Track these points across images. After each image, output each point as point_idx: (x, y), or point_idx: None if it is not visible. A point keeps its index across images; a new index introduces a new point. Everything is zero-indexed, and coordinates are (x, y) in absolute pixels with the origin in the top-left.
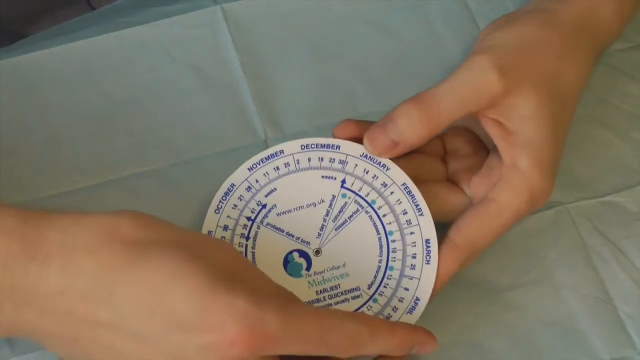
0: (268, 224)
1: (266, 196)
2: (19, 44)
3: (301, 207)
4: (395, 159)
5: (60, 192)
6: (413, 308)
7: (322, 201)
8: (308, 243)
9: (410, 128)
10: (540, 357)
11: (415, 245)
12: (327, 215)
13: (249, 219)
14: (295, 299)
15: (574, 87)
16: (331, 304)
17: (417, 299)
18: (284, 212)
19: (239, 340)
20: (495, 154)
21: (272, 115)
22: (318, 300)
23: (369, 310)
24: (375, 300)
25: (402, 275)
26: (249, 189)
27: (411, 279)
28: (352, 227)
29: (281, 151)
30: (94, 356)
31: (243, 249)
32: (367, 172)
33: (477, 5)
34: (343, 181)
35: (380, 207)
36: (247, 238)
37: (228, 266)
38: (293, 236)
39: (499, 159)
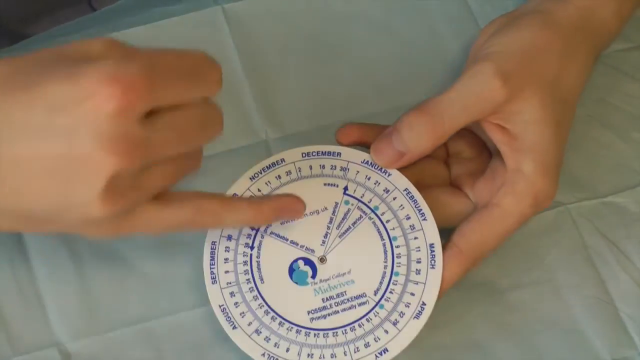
0: (272, 232)
1: None
2: (20, 45)
3: (304, 215)
4: None
5: None
6: (420, 313)
7: (325, 209)
8: (312, 251)
9: (415, 139)
10: (541, 357)
11: (419, 250)
12: (330, 222)
13: (252, 228)
14: None
15: (574, 88)
16: (338, 312)
17: (424, 303)
18: (287, 221)
19: (113, 92)
20: (498, 157)
21: (273, 115)
22: (324, 308)
23: (375, 316)
24: (381, 306)
25: (407, 280)
26: (252, 198)
27: (417, 283)
28: (356, 234)
29: (282, 160)
30: (2, 188)
31: (248, 259)
32: (369, 179)
33: (478, 5)
34: (345, 188)
35: (383, 213)
36: (252, 247)
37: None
38: (297, 244)
39: (502, 163)
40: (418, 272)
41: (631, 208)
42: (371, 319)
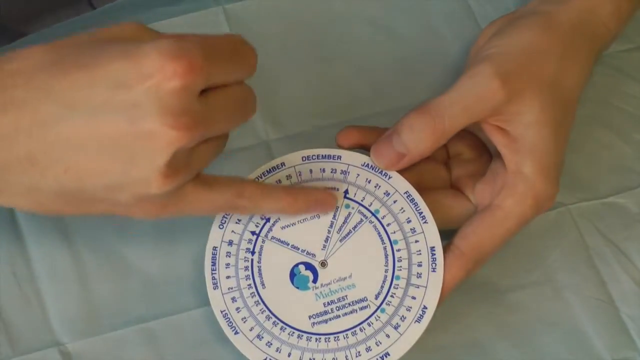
0: (273, 237)
1: None
2: (19, 43)
3: (305, 219)
4: None
5: None
6: (421, 316)
7: (326, 213)
8: (313, 255)
9: (416, 140)
10: (542, 358)
11: (420, 254)
12: (331, 226)
13: (253, 233)
14: None
15: (574, 89)
16: (339, 316)
17: (425, 307)
18: (288, 225)
19: (176, 69)
20: (499, 159)
21: (273, 116)
22: (326, 312)
23: (377, 320)
24: (383, 310)
25: (408, 284)
26: None
27: (418, 287)
28: (356, 238)
29: (282, 164)
30: (57, 168)
31: (249, 264)
32: (369, 182)
33: (479, 5)
34: (346, 191)
35: (384, 217)
36: (253, 253)
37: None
38: (298, 249)
39: (503, 165)
40: (419, 275)
41: (632, 209)
42: (372, 323)
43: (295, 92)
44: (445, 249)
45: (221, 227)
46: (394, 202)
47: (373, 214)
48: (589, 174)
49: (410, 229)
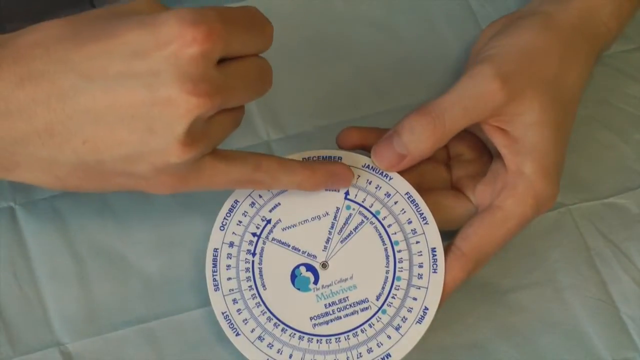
0: (274, 239)
1: (270, 211)
2: None
3: (306, 220)
4: None
5: (62, 193)
6: (422, 318)
7: (327, 214)
8: (314, 257)
9: (416, 141)
10: (542, 358)
11: (421, 255)
12: (332, 227)
13: (254, 234)
14: None
15: (575, 90)
16: (340, 317)
17: (426, 308)
18: (289, 227)
19: (195, 36)
20: (499, 160)
21: (274, 116)
22: (327, 314)
23: (378, 321)
24: (384, 312)
25: (409, 285)
26: (252, 204)
27: (419, 288)
28: (357, 239)
29: None
30: (75, 140)
31: (250, 265)
32: (370, 183)
33: (480, 6)
34: (346, 193)
35: (384, 218)
36: (254, 254)
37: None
38: (299, 250)
39: (503, 165)
40: (420, 276)
41: (632, 209)
42: (374, 325)
43: (296, 92)
44: (446, 250)
45: (222, 228)
46: (395, 203)
47: (374, 215)
48: (590, 175)
49: (411, 230)
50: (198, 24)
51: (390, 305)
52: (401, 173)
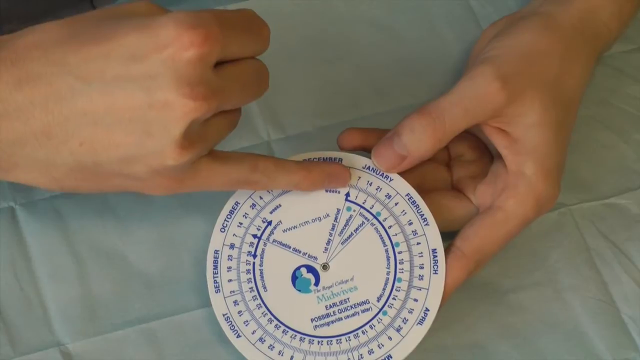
0: (274, 240)
1: (271, 213)
2: None
3: (306, 222)
4: None
5: (62, 193)
6: (423, 319)
7: (327, 215)
8: (315, 258)
9: (416, 142)
10: (543, 358)
11: (422, 256)
12: (332, 229)
13: (255, 236)
14: None
15: (575, 90)
16: (341, 319)
17: (427, 309)
18: (289, 228)
19: (193, 39)
20: (500, 160)
21: (274, 116)
22: (328, 315)
23: (379, 322)
24: (385, 313)
25: (410, 286)
26: (253, 206)
27: (420, 289)
28: (358, 240)
29: None
30: (72, 142)
31: (250, 267)
32: (370, 184)
33: (480, 6)
34: (347, 194)
35: (385, 219)
36: (254, 256)
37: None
38: (300, 252)
39: (504, 166)
40: (421, 277)
41: (633, 209)
42: (374, 326)
43: (296, 93)
44: (447, 251)
45: (223, 230)
46: (396, 204)
47: (375, 217)
48: (590, 175)
49: (412, 231)
50: (195, 27)
51: (391, 307)
52: (402, 174)
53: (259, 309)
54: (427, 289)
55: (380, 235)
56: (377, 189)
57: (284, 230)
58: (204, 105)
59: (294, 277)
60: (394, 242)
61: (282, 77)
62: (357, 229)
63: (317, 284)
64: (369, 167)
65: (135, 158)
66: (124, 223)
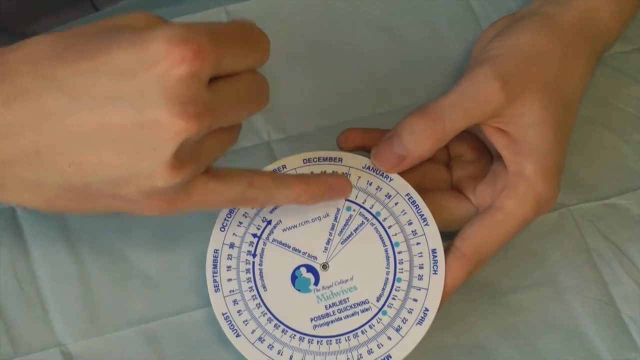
0: (274, 240)
1: (271, 212)
2: None
3: (306, 221)
4: None
5: None
6: (422, 319)
7: (327, 215)
8: (315, 258)
9: (416, 142)
10: (543, 359)
11: (422, 256)
12: (332, 229)
13: (254, 235)
14: None
15: (576, 90)
16: (341, 318)
17: (426, 309)
18: (289, 228)
19: (184, 55)
20: (500, 161)
21: (275, 116)
22: (327, 315)
23: (378, 322)
24: (384, 313)
25: (410, 286)
26: None
27: (419, 289)
28: (358, 240)
29: (283, 166)
30: (61, 162)
31: (250, 266)
32: (370, 184)
33: (480, 6)
34: None
35: (385, 219)
36: (254, 255)
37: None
38: (300, 251)
39: (504, 166)
40: (420, 277)
41: (634, 210)
42: (374, 326)
43: (297, 93)
44: (446, 251)
45: (222, 229)
46: (395, 204)
47: (374, 217)
48: (590, 175)
49: (412, 231)
50: (187, 42)
51: (391, 307)
52: (402, 174)
53: (258, 308)
54: (427, 289)
55: (380, 235)
56: (377, 189)
57: (284, 230)
58: (195, 125)
59: (294, 277)
60: (393, 242)
61: (283, 77)
62: (356, 228)
63: (316, 283)
64: (369, 167)
65: (125, 179)
66: (124, 223)
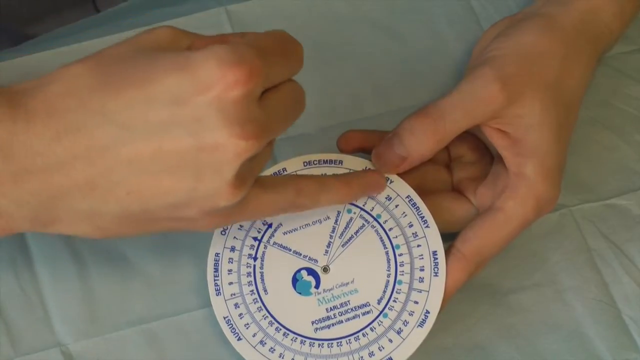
0: (275, 243)
1: None
2: (24, 45)
3: (307, 224)
4: None
5: None
6: (424, 321)
7: (328, 218)
8: (316, 261)
9: (416, 143)
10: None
11: (422, 258)
12: (333, 231)
13: (255, 239)
14: None
15: (576, 91)
16: (342, 321)
17: (427, 311)
18: (290, 231)
19: (238, 77)
20: (500, 162)
21: None
22: (328, 318)
23: (379, 325)
24: (385, 315)
25: (411, 288)
26: None
27: (420, 292)
28: (359, 243)
29: (284, 169)
30: (118, 191)
31: (251, 270)
32: None
33: (481, 7)
34: None
35: (385, 221)
36: (255, 258)
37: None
38: (300, 254)
39: (504, 167)
40: (421, 280)
41: (634, 210)
42: (375, 328)
43: None
44: (447, 252)
45: (223, 233)
46: (396, 206)
47: (375, 219)
48: (591, 176)
49: (412, 234)
50: (239, 64)
51: (392, 309)
52: (402, 175)
53: (259, 311)
54: (428, 291)
55: (381, 238)
56: None
57: (285, 233)
58: (255, 144)
59: (295, 280)
60: (394, 245)
61: None
62: (357, 231)
63: (317, 286)
64: (370, 168)
65: (186, 202)
66: None
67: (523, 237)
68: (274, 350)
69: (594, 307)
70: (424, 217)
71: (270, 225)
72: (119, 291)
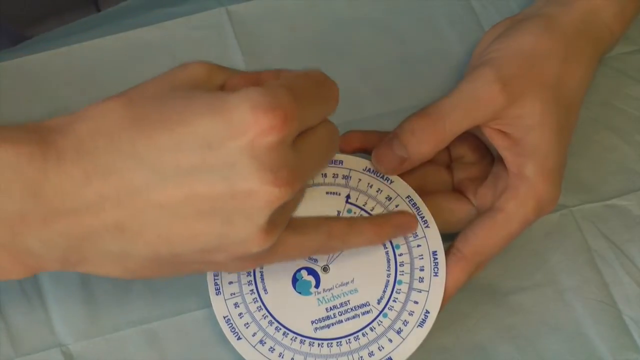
0: None
1: None
2: (25, 45)
3: None
4: None
5: None
6: (424, 321)
7: None
8: (316, 260)
9: (416, 144)
10: None
11: (422, 258)
12: None
13: None
14: None
15: (577, 91)
16: (342, 321)
17: (427, 311)
18: None
19: (272, 123)
20: (501, 162)
21: None
22: (328, 317)
23: (379, 325)
24: (385, 315)
25: (411, 288)
26: None
27: (420, 291)
28: None
29: None
30: (148, 235)
31: (251, 269)
32: (371, 186)
33: (482, 7)
34: (348, 196)
35: None
36: None
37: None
38: None
39: (505, 168)
40: (421, 280)
41: (635, 211)
42: (375, 328)
43: None
44: (447, 253)
45: None
46: (396, 206)
47: None
48: (592, 176)
49: (413, 234)
50: (273, 109)
51: (392, 309)
52: (402, 176)
53: (259, 311)
54: (428, 291)
55: None
56: (377, 191)
57: None
58: (288, 191)
59: (295, 280)
60: (394, 245)
61: None
62: None
63: (317, 286)
64: (370, 169)
65: (216, 247)
66: None
67: (523, 238)
68: (274, 349)
69: (594, 308)
70: (424, 217)
71: None
72: (119, 291)
